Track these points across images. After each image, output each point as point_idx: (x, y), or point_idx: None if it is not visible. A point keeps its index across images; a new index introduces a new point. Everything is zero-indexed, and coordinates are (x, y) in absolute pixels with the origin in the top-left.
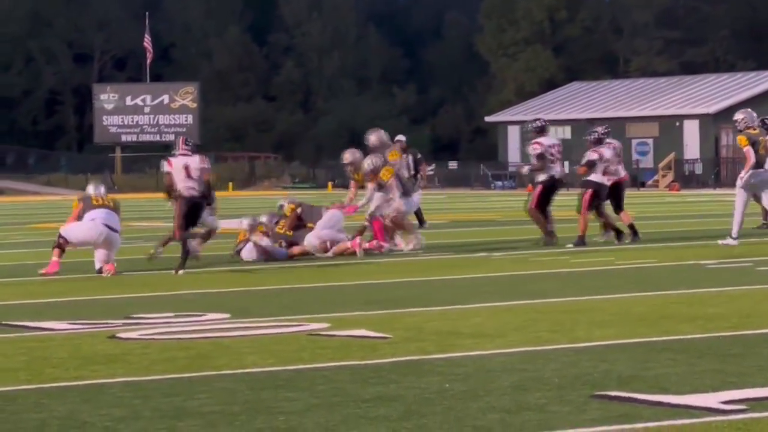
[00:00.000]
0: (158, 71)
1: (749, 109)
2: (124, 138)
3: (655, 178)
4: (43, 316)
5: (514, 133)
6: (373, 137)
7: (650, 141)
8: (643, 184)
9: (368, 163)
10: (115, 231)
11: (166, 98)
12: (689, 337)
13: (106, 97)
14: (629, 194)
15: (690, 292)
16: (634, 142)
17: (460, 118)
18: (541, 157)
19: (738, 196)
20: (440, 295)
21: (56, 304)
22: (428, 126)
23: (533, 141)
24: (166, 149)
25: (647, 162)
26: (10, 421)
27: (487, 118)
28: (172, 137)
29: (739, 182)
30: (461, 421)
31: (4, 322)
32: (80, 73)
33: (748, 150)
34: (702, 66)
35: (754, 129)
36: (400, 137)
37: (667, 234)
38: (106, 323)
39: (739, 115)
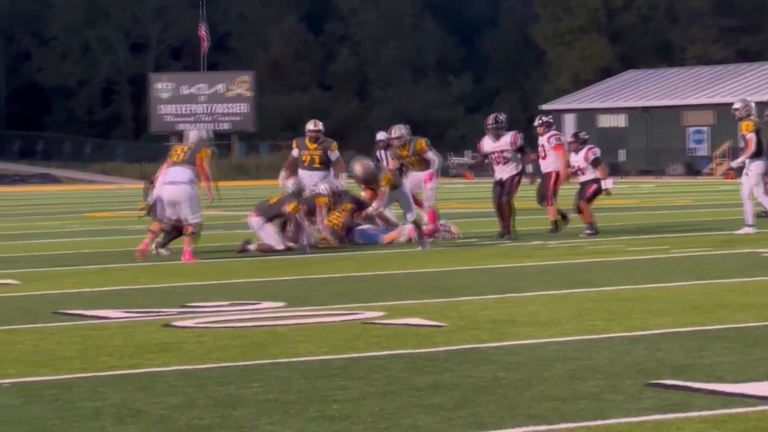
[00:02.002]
0: (214, 60)
1: (746, 98)
2: (179, 127)
3: (711, 166)
4: (99, 304)
5: (569, 122)
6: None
7: (706, 129)
8: (698, 173)
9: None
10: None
11: (221, 87)
12: (744, 325)
13: (161, 87)
14: (685, 182)
15: (745, 281)
16: (690, 130)
17: (516, 107)
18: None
19: (745, 184)
20: (495, 283)
21: (112, 292)
22: (484, 114)
23: (515, 132)
24: (221, 138)
25: (702, 150)
26: (66, 409)
27: (542, 107)
28: (227, 126)
29: (747, 172)
30: (515, 410)
31: (60, 311)
32: (136, 63)
33: (752, 137)
34: (758, 54)
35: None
36: (381, 135)
37: (721, 222)
38: (162, 312)
39: (738, 104)
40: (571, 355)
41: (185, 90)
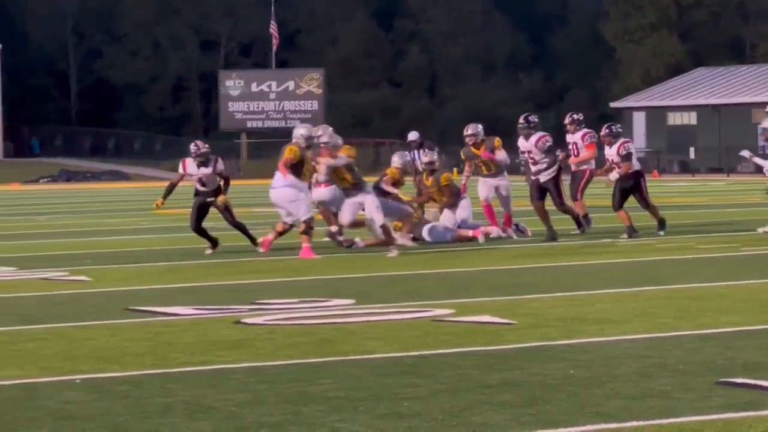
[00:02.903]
0: (284, 57)
1: None
2: (249, 124)
3: None
4: (169, 301)
5: (639, 119)
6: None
7: None
8: None
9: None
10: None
11: (291, 84)
12: None
13: (231, 84)
14: (755, 179)
15: None
16: (760, 128)
17: (586, 104)
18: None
19: None
20: (564, 280)
21: (182, 289)
22: (554, 111)
23: (542, 135)
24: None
25: None
26: (137, 405)
27: (612, 104)
28: (297, 123)
29: None
30: (585, 408)
31: (130, 308)
32: (206, 60)
33: None
34: None
35: None
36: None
37: None
38: (232, 308)
39: None
40: (640, 353)
41: (255, 87)
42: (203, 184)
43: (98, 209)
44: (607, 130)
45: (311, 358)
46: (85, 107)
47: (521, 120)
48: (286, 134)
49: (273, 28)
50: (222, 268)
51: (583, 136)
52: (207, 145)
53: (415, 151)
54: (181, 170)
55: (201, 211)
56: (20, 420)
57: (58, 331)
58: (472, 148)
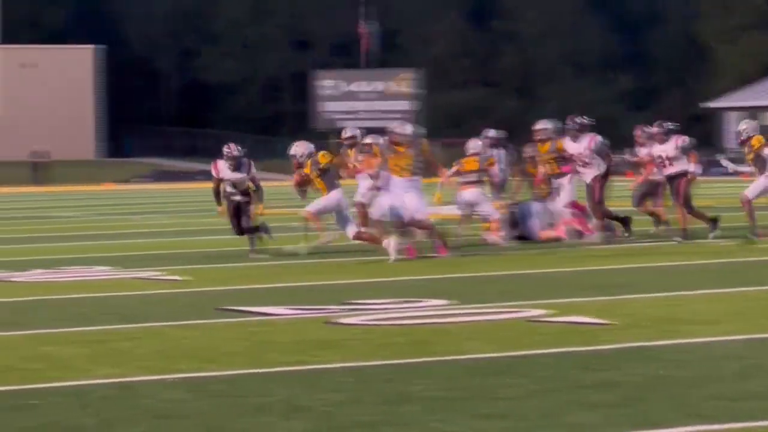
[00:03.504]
0: (378, 57)
1: None
2: (342, 124)
3: None
4: (264, 301)
5: (733, 120)
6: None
7: None
8: None
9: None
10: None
11: (384, 84)
12: None
13: (324, 84)
14: None
15: None
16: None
17: (680, 104)
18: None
19: None
20: (661, 281)
21: (277, 289)
22: (647, 112)
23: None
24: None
25: None
26: (232, 404)
27: (705, 104)
28: (390, 123)
29: None
30: (683, 409)
31: (225, 307)
32: (299, 60)
33: None
34: None
35: None
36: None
37: None
38: (327, 309)
39: None
40: (738, 354)
41: (348, 87)
42: (234, 186)
43: (192, 209)
44: (658, 128)
45: (407, 359)
46: (179, 107)
47: (568, 122)
48: (379, 134)
49: (362, 28)
50: (316, 268)
51: (677, 141)
52: (240, 149)
53: (494, 150)
54: (214, 173)
55: (238, 213)
56: (117, 419)
57: (154, 330)
58: (539, 146)
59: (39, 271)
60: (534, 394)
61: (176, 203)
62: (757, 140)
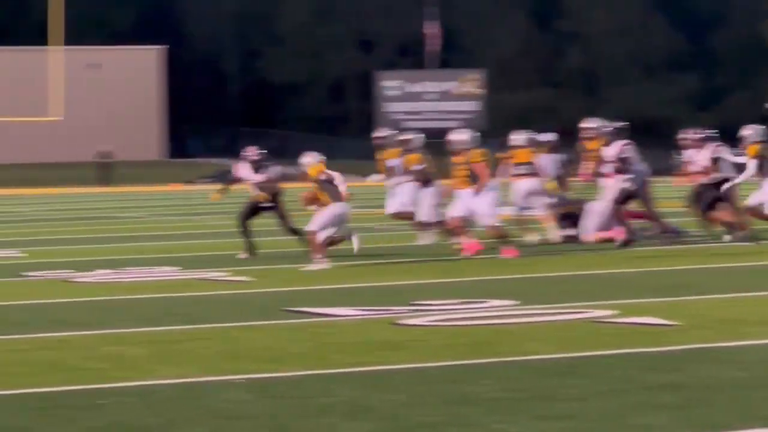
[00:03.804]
0: (442, 58)
1: None
2: (407, 125)
3: None
4: (329, 302)
5: None
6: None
7: None
8: None
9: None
10: None
11: (449, 85)
12: None
13: (389, 84)
14: None
15: None
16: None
17: (746, 106)
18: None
19: None
20: (727, 282)
21: (341, 290)
22: (713, 113)
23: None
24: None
25: None
26: (297, 405)
27: None
28: (455, 124)
29: None
30: (749, 411)
31: (290, 308)
32: (364, 60)
33: None
34: None
35: None
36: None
37: None
38: (391, 309)
39: None
40: None
41: (413, 88)
42: (261, 189)
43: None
44: (697, 134)
45: (470, 359)
46: (243, 108)
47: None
48: (444, 135)
49: (428, 29)
50: (380, 269)
51: (715, 149)
52: (260, 152)
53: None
54: (234, 174)
55: (252, 211)
56: (181, 419)
57: (219, 331)
58: (586, 143)
59: (104, 271)
60: (597, 396)
61: (241, 204)
62: (752, 149)
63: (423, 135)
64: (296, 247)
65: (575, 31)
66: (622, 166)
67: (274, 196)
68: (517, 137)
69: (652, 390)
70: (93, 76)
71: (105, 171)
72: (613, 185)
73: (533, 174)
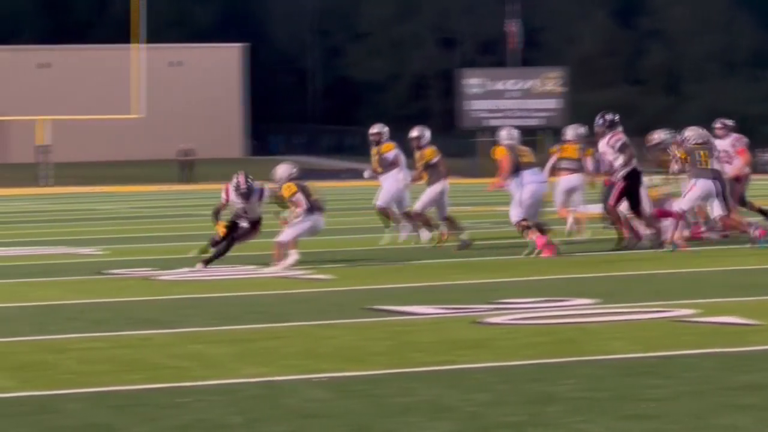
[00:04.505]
0: (524, 56)
1: None
2: (489, 122)
3: None
4: (409, 300)
5: None
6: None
7: None
8: None
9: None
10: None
11: (531, 83)
12: None
13: (471, 82)
14: None
15: None
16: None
17: None
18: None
19: None
20: None
21: (422, 288)
22: None
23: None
24: (529, 134)
25: None
26: (377, 404)
27: None
28: (537, 122)
29: None
30: None
31: (371, 307)
32: (446, 58)
33: None
34: None
35: None
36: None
37: None
38: (472, 308)
39: None
40: None
41: (495, 86)
42: (245, 212)
43: (338, 207)
44: (721, 125)
45: (552, 358)
46: (325, 105)
47: (599, 119)
48: (526, 133)
49: (512, 27)
50: (461, 267)
51: (733, 142)
52: (250, 183)
53: None
54: (223, 196)
55: (233, 226)
56: (263, 417)
57: (300, 329)
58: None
59: (186, 269)
60: (681, 396)
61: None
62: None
63: (514, 129)
64: (377, 245)
65: (658, 29)
66: (616, 157)
67: (257, 223)
68: (569, 132)
69: (735, 390)
70: (175, 74)
71: (187, 169)
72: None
73: (576, 170)
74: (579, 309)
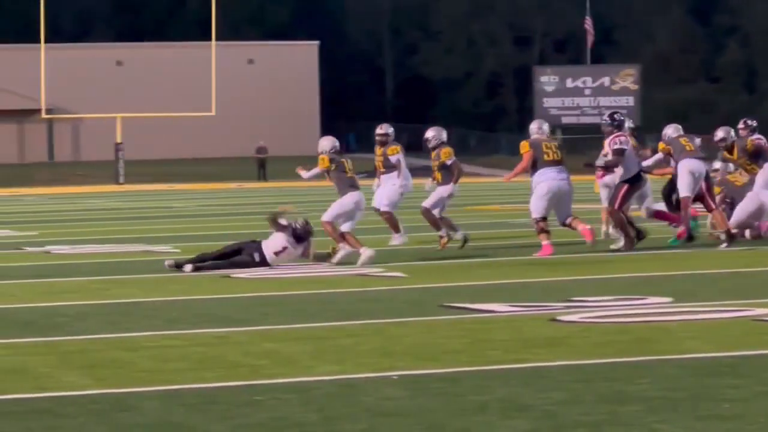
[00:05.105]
0: (599, 53)
1: None
2: (564, 120)
3: None
4: (484, 297)
5: None
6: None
7: None
8: None
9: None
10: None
11: (606, 80)
12: None
13: (546, 80)
14: None
15: None
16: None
17: None
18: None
19: None
20: None
21: (497, 286)
22: None
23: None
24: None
25: None
26: (453, 402)
27: None
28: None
29: None
30: None
31: (446, 304)
32: (521, 56)
33: None
34: None
35: None
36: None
37: None
38: (547, 306)
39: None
40: None
41: (570, 83)
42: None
43: (413, 205)
44: (743, 125)
45: (628, 357)
46: (400, 103)
47: (606, 118)
48: (599, 130)
49: (588, 24)
50: (537, 265)
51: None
52: (308, 228)
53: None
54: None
55: (237, 251)
56: (339, 415)
57: (374, 327)
58: (725, 154)
59: (263, 267)
60: (759, 396)
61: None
62: (661, 145)
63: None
64: (451, 242)
65: (734, 26)
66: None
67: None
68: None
69: None
70: (249, 71)
71: (264, 166)
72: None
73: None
74: (654, 307)
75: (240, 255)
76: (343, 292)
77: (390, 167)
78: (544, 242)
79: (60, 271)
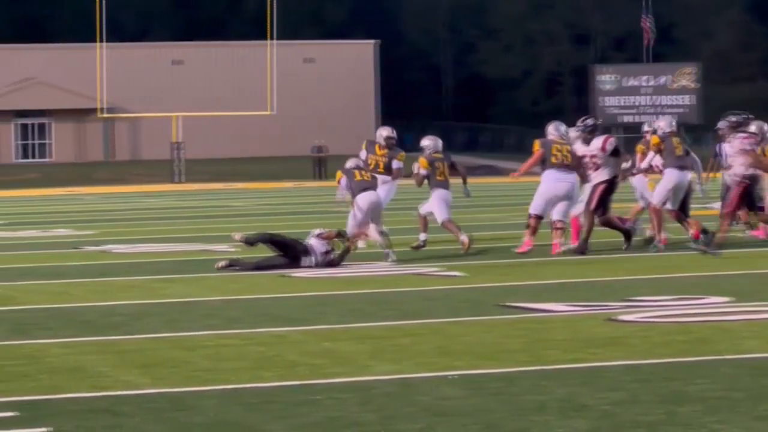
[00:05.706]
0: (658, 51)
1: None
2: (623, 119)
3: None
4: (543, 297)
5: None
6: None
7: None
8: None
9: None
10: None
11: (665, 79)
12: None
13: (605, 78)
14: None
15: None
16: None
17: None
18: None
19: None
20: None
21: (555, 285)
22: None
23: (607, 136)
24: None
25: None
26: (511, 402)
27: None
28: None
29: None
30: None
31: (504, 303)
32: (579, 54)
33: None
34: None
35: None
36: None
37: None
38: (605, 305)
39: None
40: None
41: (629, 82)
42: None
43: (471, 204)
44: (726, 123)
45: (687, 357)
46: (458, 102)
47: (580, 123)
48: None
49: (646, 23)
50: (595, 264)
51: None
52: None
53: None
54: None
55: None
56: (397, 415)
57: (433, 326)
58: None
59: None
60: None
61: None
62: (653, 139)
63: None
64: (507, 241)
65: None
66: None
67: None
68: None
69: None
70: (308, 70)
71: (321, 165)
72: None
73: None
74: (713, 307)
75: (285, 255)
76: (402, 291)
77: (389, 171)
78: (527, 238)
79: (118, 270)
